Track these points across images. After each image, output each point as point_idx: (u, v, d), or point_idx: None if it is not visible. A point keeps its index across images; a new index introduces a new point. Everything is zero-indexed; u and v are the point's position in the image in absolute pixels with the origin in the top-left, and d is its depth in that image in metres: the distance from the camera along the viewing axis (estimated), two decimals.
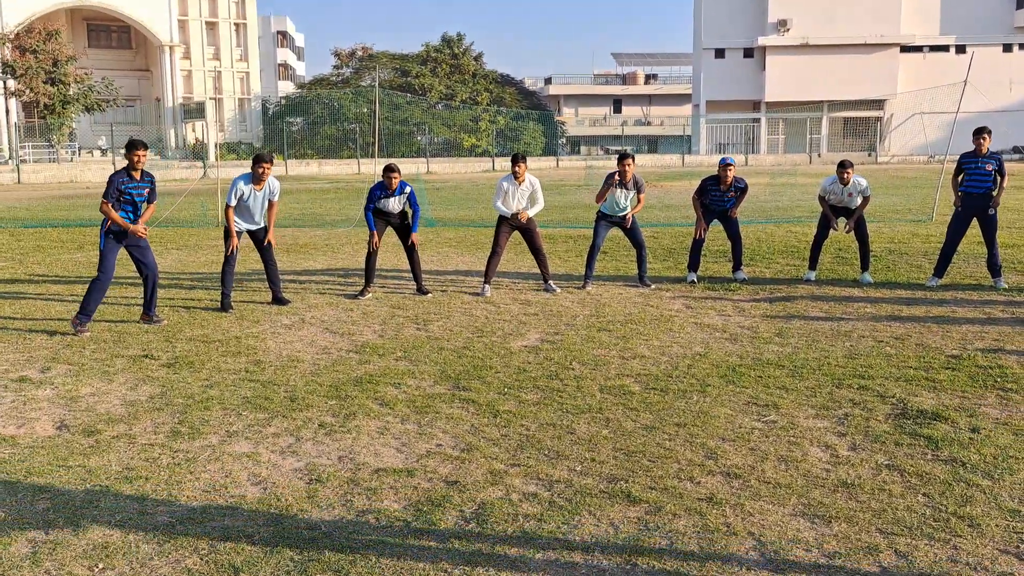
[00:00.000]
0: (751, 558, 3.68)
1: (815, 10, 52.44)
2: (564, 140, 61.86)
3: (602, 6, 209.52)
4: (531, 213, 9.93)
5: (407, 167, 41.41)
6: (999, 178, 9.84)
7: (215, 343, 7.57)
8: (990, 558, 3.67)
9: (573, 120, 75.45)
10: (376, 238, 9.65)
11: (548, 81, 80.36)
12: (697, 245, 10.63)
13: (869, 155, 49.19)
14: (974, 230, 10.46)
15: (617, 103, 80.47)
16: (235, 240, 8.94)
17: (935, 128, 51.19)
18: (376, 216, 9.65)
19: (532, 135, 51.99)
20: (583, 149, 65.76)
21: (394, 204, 9.62)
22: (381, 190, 9.55)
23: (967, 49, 54.11)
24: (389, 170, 9.49)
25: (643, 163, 48.86)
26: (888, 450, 4.91)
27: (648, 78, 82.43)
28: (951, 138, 16.46)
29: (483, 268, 10.44)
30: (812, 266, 10.77)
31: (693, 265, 10.69)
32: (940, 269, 10.22)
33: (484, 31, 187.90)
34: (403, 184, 9.60)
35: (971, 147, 9.92)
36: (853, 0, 52.43)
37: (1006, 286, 9.95)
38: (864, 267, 10.57)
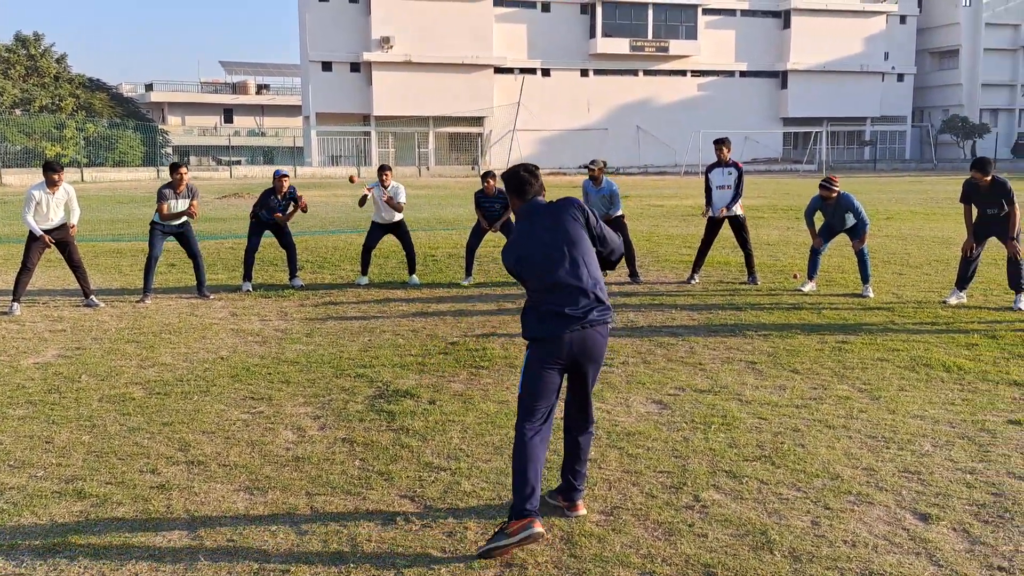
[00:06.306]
0: (176, 530, 4.07)
1: (415, 30, 55.09)
2: (170, 150, 58.80)
3: (206, 12, 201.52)
4: (74, 221, 9.65)
5: None
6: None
7: None
8: (388, 502, 4.41)
9: (180, 129, 72.07)
10: None
11: (150, 87, 75.92)
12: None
13: (473, 168, 52.64)
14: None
15: (228, 112, 78.24)
16: None
17: (528, 144, 56.48)
18: None
19: (130, 144, 48.72)
20: (193, 159, 63.07)
21: None
22: None
23: (551, 72, 60.27)
24: None
25: (255, 174, 48.17)
26: (351, 426, 5.60)
27: (260, 88, 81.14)
28: (510, 152, 18.56)
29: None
30: (364, 271, 11.58)
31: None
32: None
33: (69, 32, 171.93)
34: None
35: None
36: (449, 23, 55.85)
37: None
38: (411, 270, 11.58)
